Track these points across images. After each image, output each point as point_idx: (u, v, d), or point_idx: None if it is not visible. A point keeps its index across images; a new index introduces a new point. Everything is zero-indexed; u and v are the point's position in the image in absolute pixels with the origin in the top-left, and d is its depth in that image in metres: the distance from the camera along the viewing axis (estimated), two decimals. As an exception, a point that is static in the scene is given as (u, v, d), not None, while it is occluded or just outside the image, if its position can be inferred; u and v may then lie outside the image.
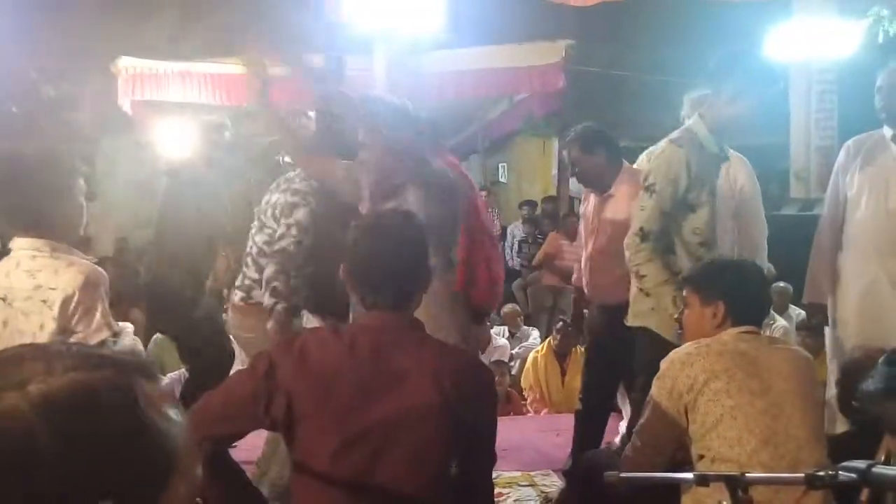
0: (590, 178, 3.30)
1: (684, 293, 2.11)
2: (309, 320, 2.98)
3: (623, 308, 2.75)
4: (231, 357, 3.48)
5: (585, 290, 3.42)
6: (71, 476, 0.58)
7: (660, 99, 7.37)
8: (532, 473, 3.55)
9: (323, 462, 1.47)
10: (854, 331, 2.93)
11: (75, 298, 1.82)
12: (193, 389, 3.04)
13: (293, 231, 2.66)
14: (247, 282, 2.82)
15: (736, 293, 2.00)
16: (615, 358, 3.05)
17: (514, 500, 3.24)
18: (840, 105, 5.71)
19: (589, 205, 3.39)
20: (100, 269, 1.92)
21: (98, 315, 1.84)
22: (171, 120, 6.44)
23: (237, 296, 2.86)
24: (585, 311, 3.69)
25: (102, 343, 1.84)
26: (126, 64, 6.06)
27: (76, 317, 1.82)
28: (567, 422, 3.90)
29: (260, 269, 2.73)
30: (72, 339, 1.80)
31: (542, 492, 3.34)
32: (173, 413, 0.67)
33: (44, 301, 1.82)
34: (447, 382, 1.51)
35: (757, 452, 1.78)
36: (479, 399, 1.58)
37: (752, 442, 1.80)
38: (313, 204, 2.68)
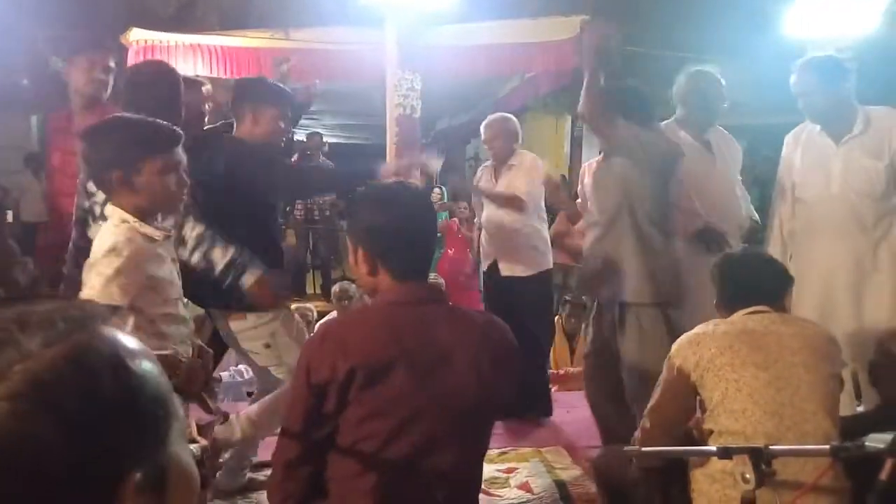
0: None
1: None
2: None
3: None
4: None
5: None
6: (84, 456, 0.54)
7: (673, 76, 7.29)
8: (543, 450, 3.56)
9: (373, 446, 1.44)
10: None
11: (94, 263, 1.85)
12: None
13: None
14: None
15: (721, 282, 2.10)
16: None
17: (526, 476, 3.26)
18: (859, 83, 5.62)
19: None
20: (135, 241, 1.90)
21: (101, 281, 1.82)
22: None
23: None
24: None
25: None
26: (137, 36, 6.00)
27: (89, 274, 1.85)
28: (576, 400, 3.92)
29: None
30: None
31: (553, 467, 3.36)
32: (144, 352, 0.62)
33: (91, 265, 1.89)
34: (486, 358, 1.52)
35: (762, 423, 1.81)
36: (511, 368, 1.59)
37: (757, 413, 1.82)
38: None
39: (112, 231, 1.90)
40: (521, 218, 3.97)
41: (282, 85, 3.02)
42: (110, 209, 1.95)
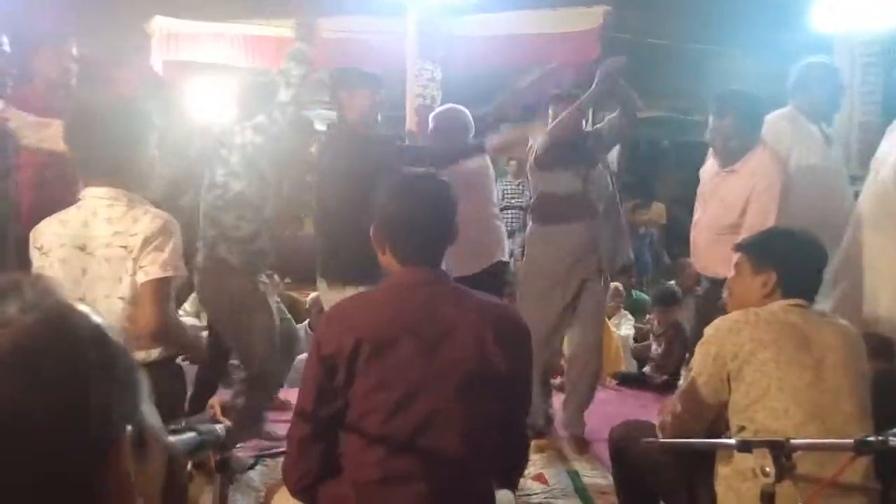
0: (714, 144, 3.10)
1: (736, 259, 2.03)
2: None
3: None
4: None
5: (693, 261, 3.34)
6: (71, 419, 0.56)
7: (696, 68, 7.20)
8: (559, 440, 3.56)
9: (379, 419, 1.50)
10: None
11: (152, 240, 1.88)
12: None
13: None
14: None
15: (791, 264, 1.93)
16: None
17: (541, 467, 3.26)
18: (885, 79, 5.54)
19: (706, 173, 3.22)
20: (175, 221, 1.97)
21: (166, 254, 1.89)
22: (204, 80, 6.44)
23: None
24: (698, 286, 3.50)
25: (168, 281, 1.89)
26: (160, 24, 6.05)
27: (145, 252, 1.87)
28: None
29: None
30: (138, 274, 1.87)
31: (567, 459, 3.36)
32: (107, 322, 0.63)
33: (124, 247, 1.88)
34: (490, 335, 1.54)
35: (804, 425, 1.73)
36: (518, 350, 1.60)
37: (799, 415, 1.75)
38: None
39: (145, 212, 1.92)
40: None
41: None
42: (113, 192, 1.92)
